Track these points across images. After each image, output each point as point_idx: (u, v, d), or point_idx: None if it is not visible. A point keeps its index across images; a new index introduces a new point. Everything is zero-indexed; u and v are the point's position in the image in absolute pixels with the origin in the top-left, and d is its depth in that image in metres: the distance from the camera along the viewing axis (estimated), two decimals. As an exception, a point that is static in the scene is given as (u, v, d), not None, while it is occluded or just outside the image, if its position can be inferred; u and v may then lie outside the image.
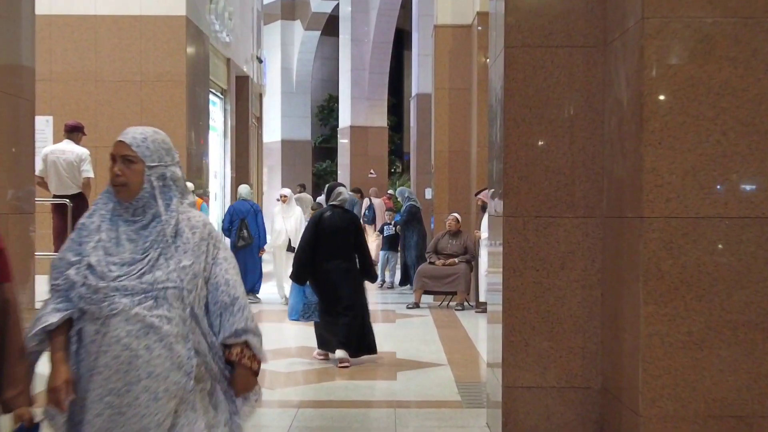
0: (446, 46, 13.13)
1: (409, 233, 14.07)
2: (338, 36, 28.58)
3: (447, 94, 13.05)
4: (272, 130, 30.83)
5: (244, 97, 17.37)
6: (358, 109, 27.46)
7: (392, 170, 35.98)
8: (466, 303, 12.06)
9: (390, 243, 14.76)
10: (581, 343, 4.79)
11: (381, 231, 15.44)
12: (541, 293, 4.81)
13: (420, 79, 20.37)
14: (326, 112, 35.75)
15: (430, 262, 12.24)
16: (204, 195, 13.21)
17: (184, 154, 12.01)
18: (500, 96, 5.01)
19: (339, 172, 28.70)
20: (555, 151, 4.81)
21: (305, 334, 8.87)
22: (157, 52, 12.00)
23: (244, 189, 13.14)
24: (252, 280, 12.37)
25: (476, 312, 11.58)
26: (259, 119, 20.32)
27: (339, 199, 7.92)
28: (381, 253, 15.00)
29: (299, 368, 7.62)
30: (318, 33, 31.69)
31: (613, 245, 4.61)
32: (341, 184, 8.37)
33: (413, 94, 21.10)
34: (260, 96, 20.25)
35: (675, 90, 4.07)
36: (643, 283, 4.07)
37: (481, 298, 11.73)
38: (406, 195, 14.96)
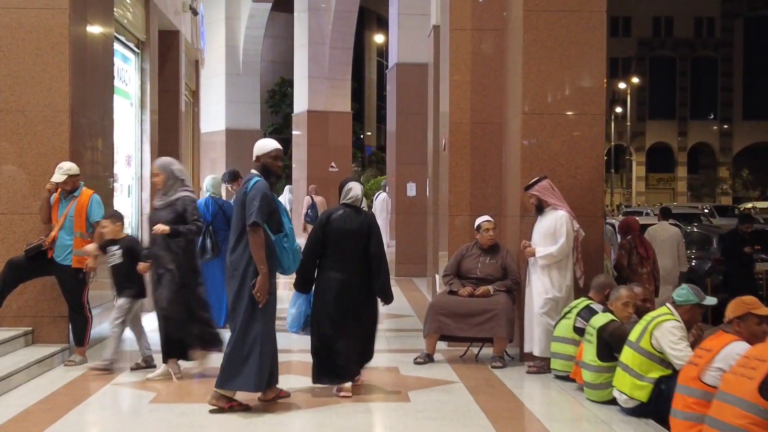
0: (467, -34, 8.88)
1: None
2: (291, 12, 24.15)
3: (469, 38, 8.77)
4: (215, 117, 26.39)
5: (172, 59, 12.87)
6: (316, 91, 23.16)
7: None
8: (506, 354, 7.80)
9: None
10: None
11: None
12: None
13: (400, 45, 16.15)
14: (278, 97, 31.30)
15: (452, 291, 7.91)
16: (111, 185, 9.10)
17: (67, 122, 7.63)
18: None
19: (294, 165, 24.23)
20: None
21: None
22: (23, -38, 7.86)
23: (209, 181, 9.63)
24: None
25: (528, 371, 7.34)
26: (196, 94, 15.76)
27: (350, 196, 6.76)
28: None
29: None
30: (268, 7, 27.24)
31: None
32: (354, 179, 7.12)
33: (392, 63, 16.85)
34: (197, 64, 15.70)
35: None
36: None
37: (533, 350, 7.49)
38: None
